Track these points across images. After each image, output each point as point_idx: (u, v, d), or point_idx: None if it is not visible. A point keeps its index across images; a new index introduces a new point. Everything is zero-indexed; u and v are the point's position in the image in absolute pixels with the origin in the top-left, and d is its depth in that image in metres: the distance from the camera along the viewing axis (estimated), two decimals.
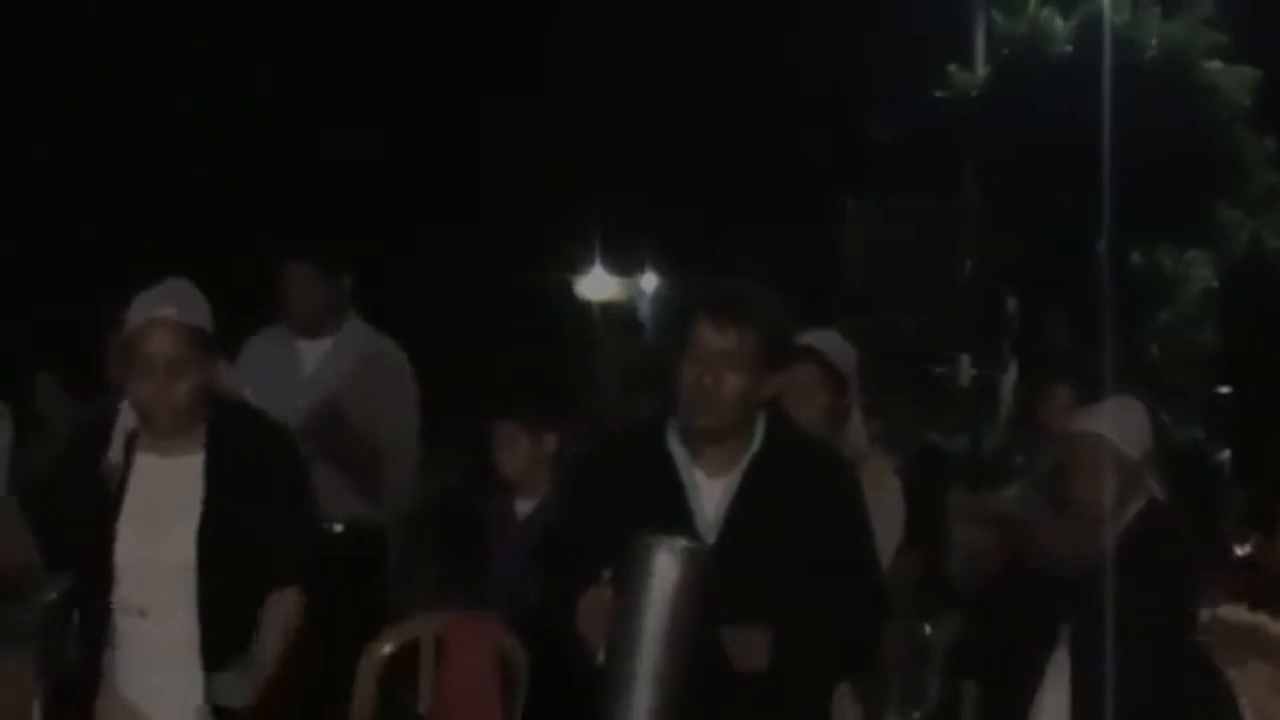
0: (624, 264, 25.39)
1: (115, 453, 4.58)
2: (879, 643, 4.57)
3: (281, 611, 4.52)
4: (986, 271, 20.90)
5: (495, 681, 5.48)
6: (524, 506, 5.93)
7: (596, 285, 25.28)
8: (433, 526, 6.60)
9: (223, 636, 4.49)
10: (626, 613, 4.01)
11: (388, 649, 5.50)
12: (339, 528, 6.35)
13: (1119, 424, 5.38)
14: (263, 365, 6.59)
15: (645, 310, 23.86)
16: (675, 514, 4.23)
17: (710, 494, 4.28)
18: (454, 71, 21.56)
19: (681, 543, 4.04)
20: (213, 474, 4.53)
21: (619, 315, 23.20)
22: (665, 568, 3.97)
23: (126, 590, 4.52)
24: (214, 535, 4.48)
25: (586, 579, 4.11)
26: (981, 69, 20.88)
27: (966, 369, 20.90)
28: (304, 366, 6.73)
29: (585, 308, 24.48)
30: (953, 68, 20.71)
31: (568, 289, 24.78)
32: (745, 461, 4.30)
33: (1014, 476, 7.61)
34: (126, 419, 4.60)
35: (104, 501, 4.54)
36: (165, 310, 4.50)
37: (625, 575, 4.02)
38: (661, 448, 4.31)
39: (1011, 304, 21.22)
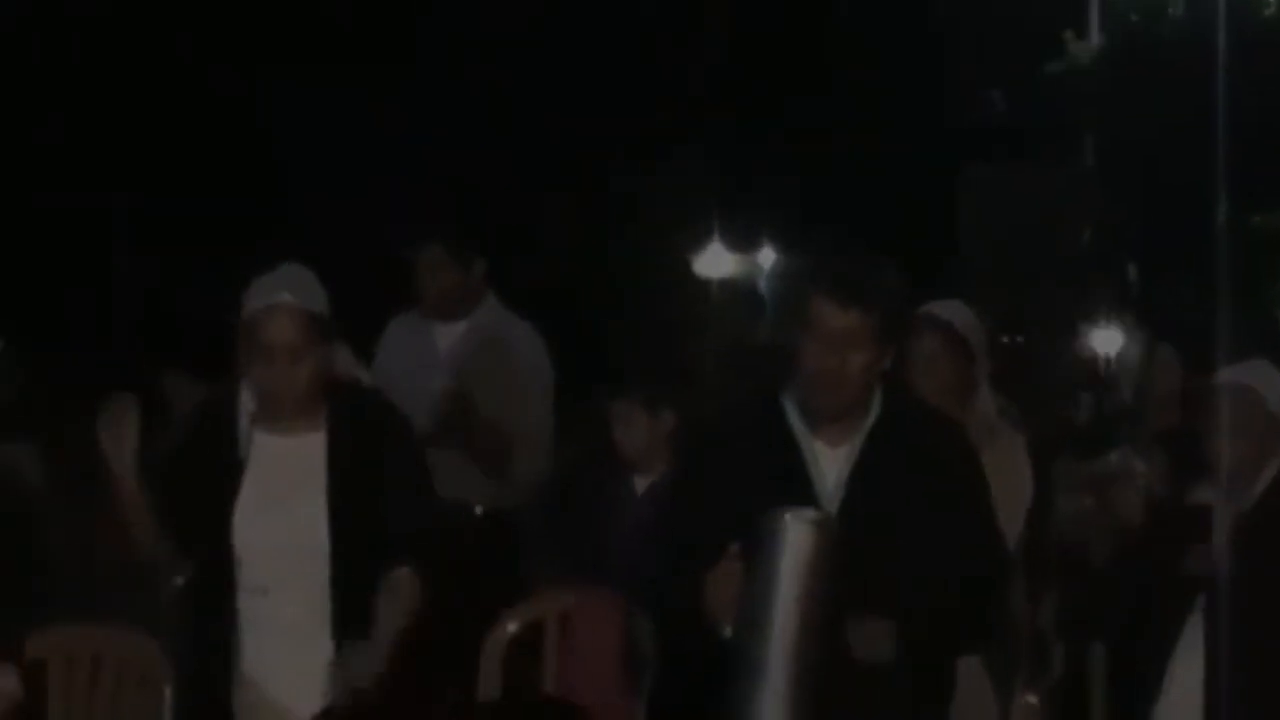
0: (743, 240, 25.34)
1: (235, 435, 4.62)
2: (1003, 612, 4.54)
3: (402, 591, 4.54)
4: (1105, 240, 20.71)
5: (620, 658, 5.49)
6: (642, 483, 5.93)
7: (715, 262, 25.23)
8: (552, 504, 6.60)
9: (349, 614, 4.52)
10: (758, 586, 4.01)
11: (512, 627, 5.51)
12: (479, 510, 6.39)
13: (1264, 380, 5.31)
14: (400, 349, 6.65)
15: (764, 286, 23.85)
16: (796, 485, 4.23)
17: (830, 464, 4.28)
18: (579, 49, 21.56)
19: (812, 514, 4.04)
20: (335, 455, 4.56)
21: (738, 292, 23.20)
22: (797, 539, 3.98)
23: (248, 569, 4.57)
24: (339, 515, 4.51)
25: (710, 553, 4.11)
26: (1097, 35, 20.68)
27: (1085, 338, 20.73)
28: (438, 349, 6.76)
29: (704, 284, 24.46)
30: (1069, 35, 20.52)
31: (686, 266, 24.76)
32: (864, 431, 4.30)
33: (1118, 443, 7.51)
34: (246, 402, 4.64)
35: (224, 483, 4.58)
36: (283, 296, 4.53)
37: (755, 548, 4.02)
38: (781, 420, 4.31)
39: (1131, 272, 21.02)
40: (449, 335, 6.77)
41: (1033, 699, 5.62)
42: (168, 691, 4.88)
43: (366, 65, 20.86)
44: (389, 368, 6.54)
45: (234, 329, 6.62)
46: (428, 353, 6.72)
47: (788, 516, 4.00)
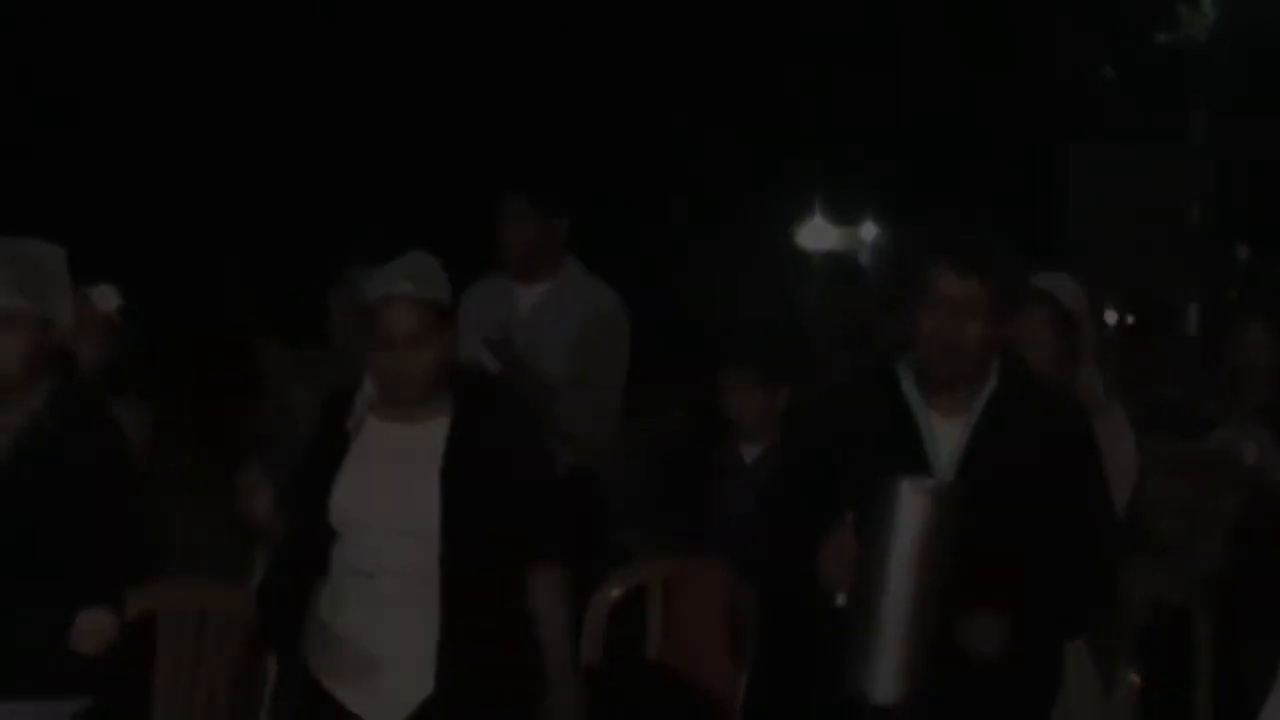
0: (844, 213, 25.29)
1: (354, 420, 4.65)
2: (1115, 593, 4.51)
3: (560, 589, 4.63)
4: (1215, 217, 20.49)
5: (724, 625, 5.48)
6: (750, 451, 5.92)
7: (817, 235, 25.21)
8: (658, 470, 6.60)
9: (458, 601, 4.55)
10: (873, 554, 4.01)
11: (616, 592, 5.52)
12: (561, 472, 6.38)
13: None
14: (480, 310, 6.64)
15: (866, 259, 23.75)
16: (912, 456, 4.23)
17: (946, 436, 4.28)
18: (690, 25, 21.52)
19: (931, 481, 4.04)
20: (456, 443, 4.58)
21: (840, 264, 23.12)
22: (914, 506, 3.97)
23: (356, 552, 4.59)
24: (453, 502, 4.53)
25: (824, 522, 4.11)
26: (1209, 7, 20.44)
27: (1195, 318, 20.52)
28: (520, 311, 6.77)
29: (806, 257, 24.43)
30: (1181, 7, 20.30)
31: (789, 239, 24.74)
32: (980, 403, 4.29)
33: (1210, 421, 7.41)
34: (369, 389, 4.67)
35: (337, 467, 4.62)
36: (404, 285, 4.54)
37: (872, 516, 4.01)
38: (896, 391, 4.31)
39: (1242, 251, 20.81)
40: (531, 296, 6.79)
41: (1135, 679, 5.58)
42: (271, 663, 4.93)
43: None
44: (469, 330, 6.55)
45: (335, 306, 6.71)
46: (510, 314, 6.73)
47: (905, 484, 3.99)
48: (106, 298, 6.33)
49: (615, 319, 6.80)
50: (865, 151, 22.07)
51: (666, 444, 6.85)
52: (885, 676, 4.06)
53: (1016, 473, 4.22)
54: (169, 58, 18.49)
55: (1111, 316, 18.06)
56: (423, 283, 4.56)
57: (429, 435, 4.59)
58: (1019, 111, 21.53)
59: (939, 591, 4.03)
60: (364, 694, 4.57)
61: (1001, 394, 4.29)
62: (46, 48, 17.55)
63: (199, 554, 5.67)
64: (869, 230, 25.63)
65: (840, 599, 4.09)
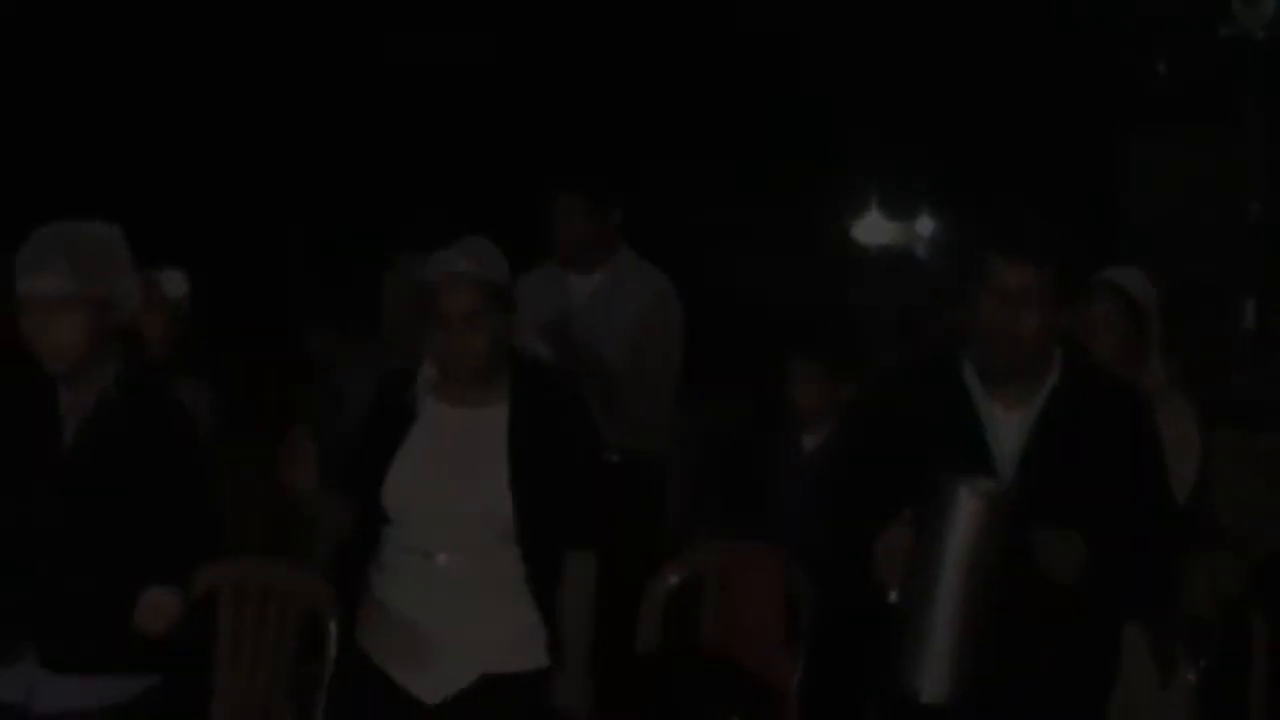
0: (900, 208, 25.20)
1: (412, 403, 4.69)
2: (1176, 586, 4.50)
3: (587, 575, 4.66)
4: (1273, 211, 20.35)
5: (780, 616, 5.49)
6: (811, 441, 5.93)
7: (873, 229, 25.14)
8: (715, 459, 6.63)
9: (519, 580, 4.61)
10: (927, 552, 4.00)
11: (673, 581, 5.53)
12: (615, 458, 6.41)
13: None
14: (534, 300, 6.67)
15: (922, 254, 23.70)
16: (973, 448, 4.21)
17: (1008, 427, 4.24)
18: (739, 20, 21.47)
19: (986, 484, 4.02)
20: (516, 427, 4.61)
21: (896, 259, 23.09)
22: (969, 510, 3.95)
23: (414, 532, 4.63)
24: (518, 486, 4.56)
25: (881, 514, 4.10)
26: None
27: (1252, 312, 20.39)
28: (574, 300, 6.80)
29: (862, 251, 24.36)
30: (1237, 1, 20.15)
31: (845, 233, 24.67)
32: (1043, 395, 4.26)
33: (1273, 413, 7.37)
34: (427, 371, 4.71)
35: (394, 448, 4.65)
36: (463, 265, 4.59)
37: (927, 514, 4.00)
38: (957, 381, 4.29)
39: None
40: (585, 285, 6.81)
41: (1192, 677, 5.57)
42: (333, 627, 4.96)
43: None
44: (523, 319, 6.58)
45: (388, 288, 6.74)
46: (564, 303, 6.76)
47: (962, 488, 3.97)
48: (174, 282, 6.39)
49: (669, 306, 6.83)
50: (921, 146, 21.98)
51: (725, 432, 6.87)
52: (935, 676, 4.04)
53: (1078, 466, 4.18)
54: (221, 45, 18.57)
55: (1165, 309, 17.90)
56: (481, 263, 4.61)
57: (489, 418, 4.63)
58: (1076, 105, 21.41)
59: (993, 592, 4.02)
60: (418, 672, 4.61)
61: (1065, 386, 4.26)
62: (101, 33, 17.64)
63: (259, 534, 5.71)
64: (925, 225, 25.53)
65: (893, 595, 4.09)
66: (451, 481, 4.59)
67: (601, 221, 6.82)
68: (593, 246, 6.81)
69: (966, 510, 3.95)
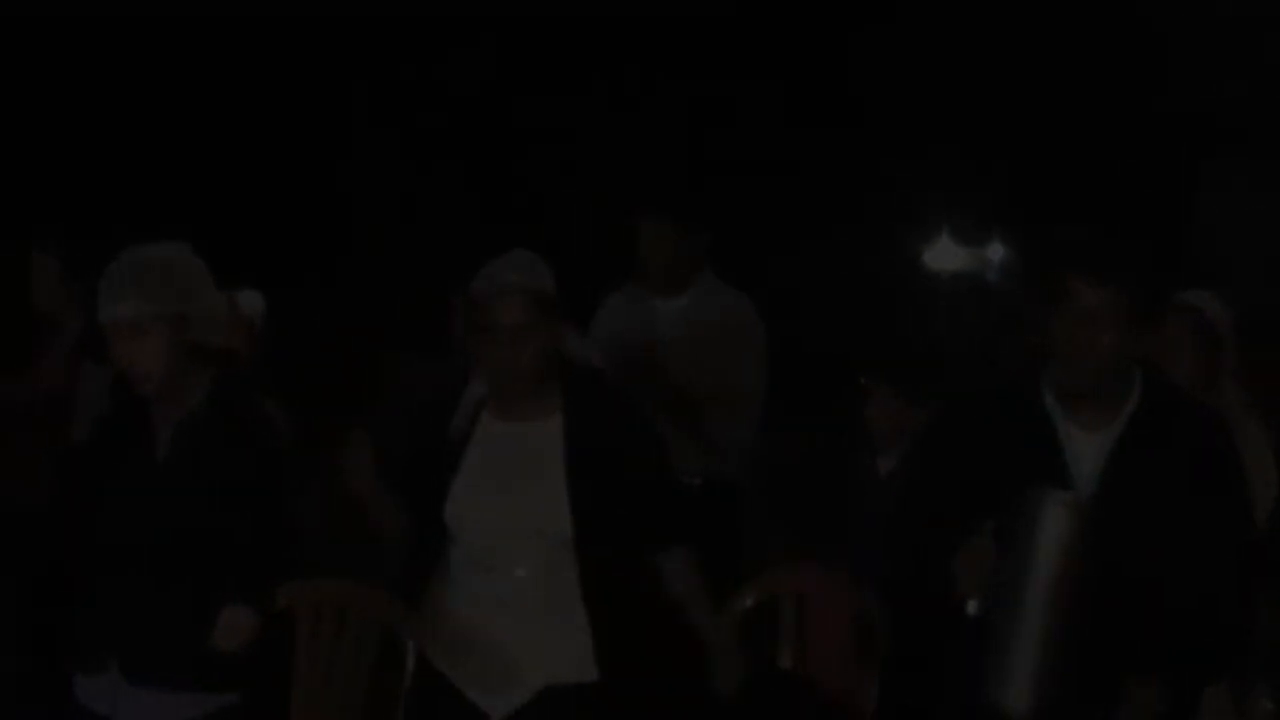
0: (972, 233, 25.13)
1: (461, 417, 4.70)
2: (1255, 621, 4.47)
3: (690, 567, 4.69)
4: None
5: (855, 636, 5.48)
6: (886, 464, 5.92)
7: (944, 255, 25.07)
8: (791, 481, 6.63)
9: (577, 593, 4.62)
10: (1010, 565, 4.00)
11: (749, 602, 5.53)
12: (696, 481, 6.41)
13: None
14: (620, 323, 6.69)
15: (993, 280, 23.61)
16: (1051, 468, 4.21)
17: (1086, 449, 4.24)
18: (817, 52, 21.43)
19: (1070, 495, 4.02)
20: (574, 439, 4.63)
21: (967, 285, 23.02)
22: (1057, 519, 3.96)
23: (478, 548, 4.65)
24: (576, 499, 4.57)
25: (959, 530, 4.10)
26: None
27: None
28: (660, 323, 6.80)
29: (933, 277, 24.31)
30: None
31: (916, 259, 24.62)
32: (1123, 417, 4.25)
33: None
34: (477, 385, 4.72)
35: (447, 463, 4.67)
36: (510, 278, 4.61)
37: (1011, 526, 4.00)
38: (1037, 402, 4.29)
39: None
40: (671, 309, 6.82)
41: (1269, 705, 5.52)
42: (410, 644, 4.98)
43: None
44: (607, 341, 6.61)
45: (452, 307, 6.77)
46: (650, 327, 6.77)
47: (1045, 497, 3.98)
48: (252, 302, 6.44)
49: (754, 330, 6.83)
50: (993, 171, 21.91)
51: (801, 455, 6.87)
52: (1018, 688, 4.05)
53: (1158, 489, 4.18)
54: (295, 77, 18.70)
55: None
56: (527, 274, 4.62)
57: (544, 431, 4.65)
58: (1150, 130, 21.29)
59: (1075, 605, 4.02)
60: (484, 686, 4.63)
61: (1145, 408, 4.26)
62: (183, 55, 17.80)
63: (331, 555, 5.74)
64: (996, 250, 25.44)
65: (973, 607, 4.09)
66: (509, 496, 4.61)
67: (689, 246, 6.83)
68: (680, 270, 6.83)
69: (1052, 518, 3.96)
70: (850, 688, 5.43)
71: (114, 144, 16.95)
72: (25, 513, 6.16)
